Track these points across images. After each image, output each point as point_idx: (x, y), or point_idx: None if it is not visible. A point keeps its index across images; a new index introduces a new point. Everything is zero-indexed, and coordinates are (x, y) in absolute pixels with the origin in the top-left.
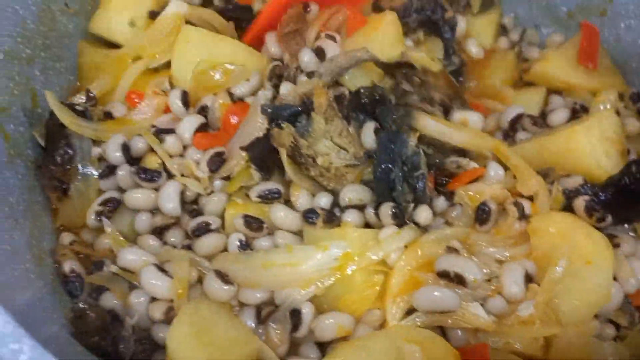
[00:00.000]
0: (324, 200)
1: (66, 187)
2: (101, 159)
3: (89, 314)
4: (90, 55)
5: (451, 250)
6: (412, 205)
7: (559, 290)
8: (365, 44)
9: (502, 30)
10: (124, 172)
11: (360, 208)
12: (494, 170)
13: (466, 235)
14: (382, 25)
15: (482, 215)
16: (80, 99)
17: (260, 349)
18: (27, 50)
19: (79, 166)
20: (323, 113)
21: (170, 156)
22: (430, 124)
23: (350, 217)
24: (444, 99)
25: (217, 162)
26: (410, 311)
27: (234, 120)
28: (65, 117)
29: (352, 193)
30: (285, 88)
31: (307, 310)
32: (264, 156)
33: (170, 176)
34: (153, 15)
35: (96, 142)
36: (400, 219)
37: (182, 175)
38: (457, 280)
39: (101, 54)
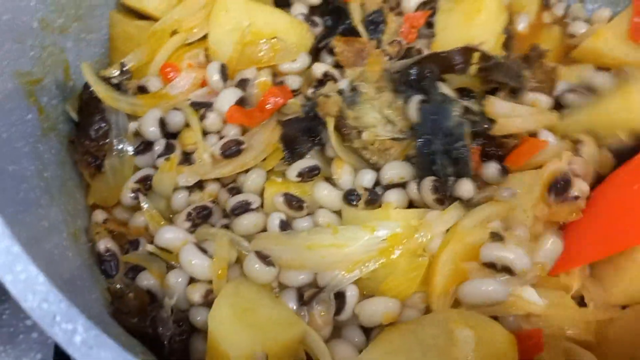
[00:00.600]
0: (367, 178)
1: (100, 163)
2: (137, 134)
3: (128, 294)
4: (122, 26)
5: (495, 236)
6: (452, 178)
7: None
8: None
9: (545, 4)
10: (160, 148)
11: (403, 186)
12: (551, 138)
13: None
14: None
15: (558, 186)
16: (113, 72)
17: (305, 331)
18: (59, 20)
19: (114, 141)
20: (375, 82)
21: (207, 133)
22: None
23: (394, 197)
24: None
25: (234, 150)
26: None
27: (270, 102)
28: (100, 90)
29: (394, 170)
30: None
31: (351, 293)
32: (294, 137)
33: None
34: None
35: (131, 117)
36: (441, 193)
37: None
38: (505, 270)
39: (134, 25)
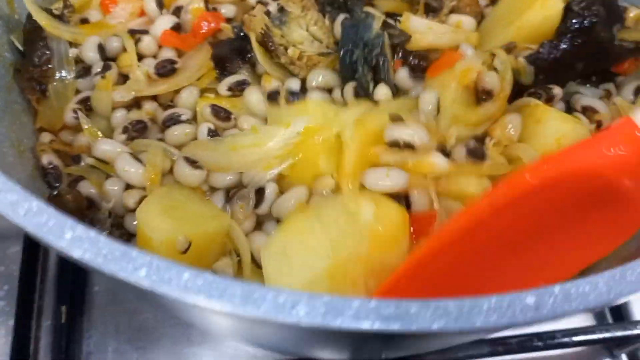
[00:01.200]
0: (293, 84)
1: (44, 89)
2: (78, 60)
3: (66, 196)
4: None
5: (395, 118)
6: (372, 83)
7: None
8: None
9: None
10: (98, 69)
11: (328, 91)
12: (470, 50)
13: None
14: None
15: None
16: (57, 6)
17: (228, 224)
18: None
19: (56, 67)
20: (300, 1)
21: (143, 57)
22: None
23: (315, 96)
24: None
25: (168, 68)
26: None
27: (204, 27)
28: (42, 19)
29: (320, 76)
30: None
31: (270, 190)
32: (225, 57)
33: None
34: None
35: (72, 45)
36: (362, 97)
37: None
38: (407, 146)
39: None
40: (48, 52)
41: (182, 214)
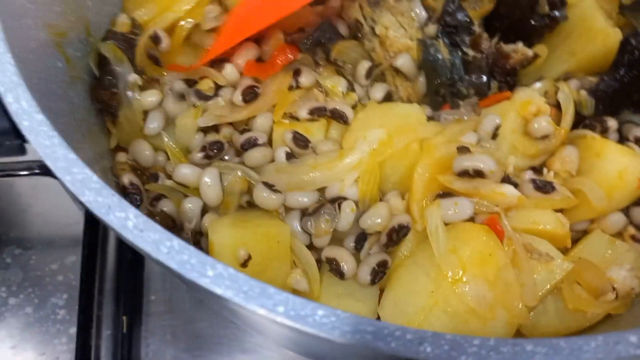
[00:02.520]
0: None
1: (115, 112)
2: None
3: (155, 219)
4: None
5: (462, 149)
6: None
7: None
8: None
9: None
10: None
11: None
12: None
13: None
14: None
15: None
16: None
17: (290, 235)
18: None
19: (122, 92)
20: None
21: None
22: None
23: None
24: None
25: (253, 94)
26: None
27: (281, 58)
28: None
29: (404, 59)
30: None
31: (348, 204)
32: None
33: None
34: None
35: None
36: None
37: None
38: (476, 174)
39: None
40: (113, 77)
41: (247, 224)
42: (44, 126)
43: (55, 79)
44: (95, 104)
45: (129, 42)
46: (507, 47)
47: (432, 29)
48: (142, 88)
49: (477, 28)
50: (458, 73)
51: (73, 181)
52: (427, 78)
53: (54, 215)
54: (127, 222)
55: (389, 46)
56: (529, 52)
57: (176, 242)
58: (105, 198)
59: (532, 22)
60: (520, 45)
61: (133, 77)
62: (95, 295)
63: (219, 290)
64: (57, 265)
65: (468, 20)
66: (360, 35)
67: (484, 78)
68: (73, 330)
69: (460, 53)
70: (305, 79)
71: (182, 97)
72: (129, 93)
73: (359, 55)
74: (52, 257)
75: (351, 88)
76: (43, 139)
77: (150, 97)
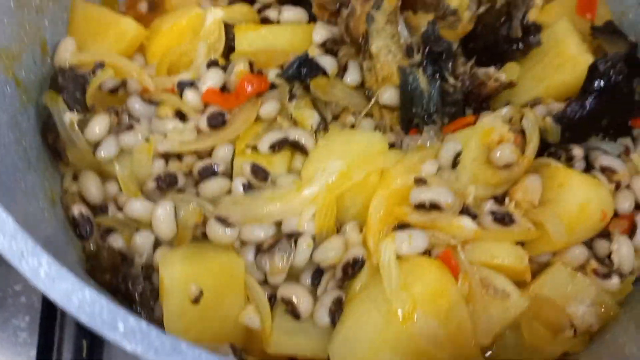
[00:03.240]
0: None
1: (62, 153)
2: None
3: (102, 253)
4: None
5: (419, 182)
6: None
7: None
8: None
9: None
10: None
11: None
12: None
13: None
14: None
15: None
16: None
17: (242, 268)
18: (36, 0)
19: (65, 139)
20: (387, 14)
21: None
22: None
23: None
24: None
25: (218, 120)
26: None
27: (248, 88)
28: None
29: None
30: None
31: (305, 240)
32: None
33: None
34: None
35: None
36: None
37: None
38: (433, 207)
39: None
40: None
41: (199, 259)
42: None
43: (1, 106)
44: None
45: (80, 80)
46: (481, 73)
47: (417, 57)
48: (85, 120)
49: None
50: (435, 105)
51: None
52: (403, 106)
53: None
54: (40, 269)
55: (379, 70)
56: (503, 79)
57: (88, 293)
58: (19, 243)
59: (505, 47)
60: (492, 70)
61: (68, 118)
62: (57, 317)
63: (128, 346)
64: (20, 286)
65: (449, 47)
66: (363, 52)
67: (459, 108)
68: (33, 352)
69: (439, 83)
70: (265, 111)
71: (133, 126)
72: (71, 133)
73: (341, 94)
74: (15, 278)
75: (323, 126)
76: None
77: (96, 128)
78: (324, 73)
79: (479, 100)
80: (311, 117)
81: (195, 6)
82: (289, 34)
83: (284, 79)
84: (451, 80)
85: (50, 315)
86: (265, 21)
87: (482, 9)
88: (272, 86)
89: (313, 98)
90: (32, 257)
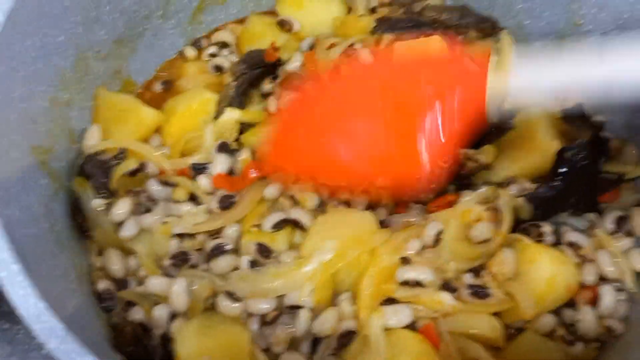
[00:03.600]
0: None
1: (88, 231)
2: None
3: (127, 329)
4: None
5: (404, 261)
6: None
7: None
8: None
9: None
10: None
11: None
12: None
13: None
14: None
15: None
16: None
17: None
18: (65, 95)
19: (91, 222)
20: None
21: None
22: None
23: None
24: None
25: (227, 202)
26: None
27: (252, 173)
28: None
29: None
30: None
31: (305, 313)
32: None
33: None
34: None
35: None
36: None
37: None
38: (416, 284)
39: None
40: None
41: (210, 331)
42: (19, 276)
43: (37, 198)
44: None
45: (104, 166)
46: (461, 154)
47: None
48: (110, 204)
49: None
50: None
51: (42, 329)
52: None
53: None
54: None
55: None
56: (482, 160)
57: None
58: (68, 344)
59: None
60: (471, 152)
61: (95, 203)
62: None
63: None
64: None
65: None
66: None
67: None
68: None
69: None
70: (269, 193)
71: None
72: (97, 216)
73: None
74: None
75: (322, 207)
76: (17, 289)
77: (120, 211)
78: None
79: (458, 179)
80: (312, 199)
81: (205, 90)
82: None
83: None
84: None
85: None
86: None
87: None
88: None
89: None
90: (79, 357)
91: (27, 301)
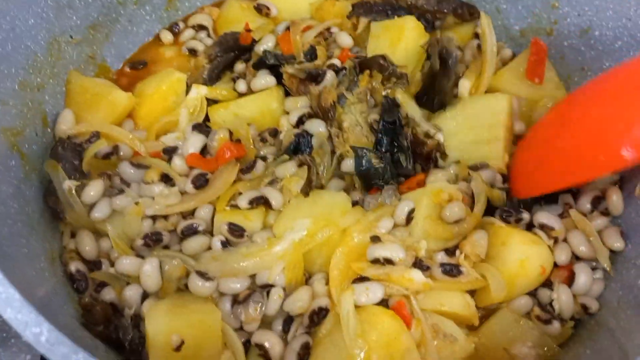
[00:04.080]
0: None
1: (62, 214)
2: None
3: (96, 308)
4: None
5: (374, 239)
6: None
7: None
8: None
9: None
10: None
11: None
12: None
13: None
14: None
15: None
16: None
17: (220, 320)
18: (37, 79)
19: (64, 203)
20: (358, 93)
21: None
22: None
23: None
24: None
25: (202, 181)
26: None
27: (227, 154)
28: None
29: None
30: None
31: (277, 292)
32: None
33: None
34: None
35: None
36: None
37: None
38: (387, 262)
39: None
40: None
41: (181, 310)
42: None
43: (6, 179)
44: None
45: (77, 149)
46: (421, 133)
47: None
48: (82, 186)
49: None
50: (389, 175)
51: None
52: (360, 178)
53: None
54: (41, 337)
55: (346, 139)
56: (440, 139)
57: (82, 355)
58: (24, 315)
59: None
60: (431, 129)
61: (67, 185)
62: None
63: None
64: None
65: (398, 115)
66: (329, 118)
67: (410, 170)
68: None
69: (391, 155)
70: (255, 172)
71: (124, 190)
72: (69, 198)
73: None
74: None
75: (307, 189)
76: None
77: (91, 192)
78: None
79: (422, 159)
80: (296, 183)
81: (175, 71)
82: (258, 104)
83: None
84: (405, 143)
85: None
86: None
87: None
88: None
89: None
90: (35, 327)
91: None
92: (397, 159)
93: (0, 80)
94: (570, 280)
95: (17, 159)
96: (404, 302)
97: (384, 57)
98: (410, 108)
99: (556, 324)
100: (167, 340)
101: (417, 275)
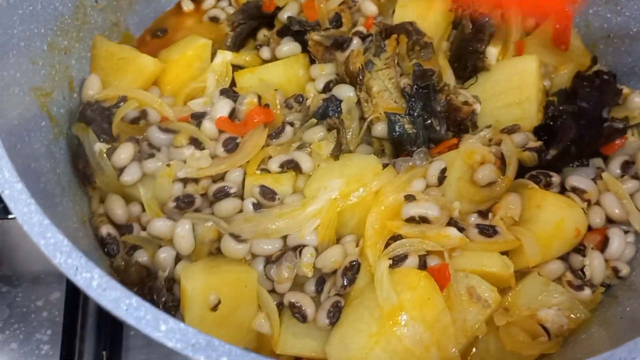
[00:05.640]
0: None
1: (91, 178)
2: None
3: (130, 269)
4: (105, 46)
5: (409, 198)
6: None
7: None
8: None
9: None
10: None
11: None
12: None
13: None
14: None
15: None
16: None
17: (255, 281)
18: (64, 42)
19: (94, 165)
20: (386, 58)
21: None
22: None
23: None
24: None
25: (232, 144)
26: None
27: (255, 118)
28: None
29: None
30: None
31: (308, 249)
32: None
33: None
34: None
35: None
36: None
37: None
38: (422, 220)
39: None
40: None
41: (217, 270)
42: (23, 194)
43: (38, 138)
44: (75, 173)
45: (105, 112)
46: (457, 100)
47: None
48: (112, 149)
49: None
50: (422, 141)
51: (46, 245)
52: (393, 144)
53: (41, 253)
54: (92, 282)
55: (375, 105)
56: (477, 108)
57: (134, 300)
58: (74, 260)
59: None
60: (469, 97)
61: (97, 147)
62: (77, 330)
63: (170, 343)
64: (42, 301)
65: (432, 81)
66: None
67: (443, 134)
68: None
69: (423, 121)
70: (281, 140)
71: (154, 154)
72: (99, 161)
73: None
74: (37, 294)
75: (337, 152)
76: (22, 206)
77: (122, 155)
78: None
79: (455, 125)
80: (326, 147)
81: (199, 37)
82: (284, 69)
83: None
84: (438, 108)
85: (71, 328)
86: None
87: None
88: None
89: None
90: (86, 271)
91: (31, 218)
92: (430, 124)
93: (30, 39)
94: (602, 245)
95: (47, 119)
96: (445, 265)
97: (411, 23)
98: (449, 74)
99: (587, 291)
100: (205, 298)
101: (453, 231)
